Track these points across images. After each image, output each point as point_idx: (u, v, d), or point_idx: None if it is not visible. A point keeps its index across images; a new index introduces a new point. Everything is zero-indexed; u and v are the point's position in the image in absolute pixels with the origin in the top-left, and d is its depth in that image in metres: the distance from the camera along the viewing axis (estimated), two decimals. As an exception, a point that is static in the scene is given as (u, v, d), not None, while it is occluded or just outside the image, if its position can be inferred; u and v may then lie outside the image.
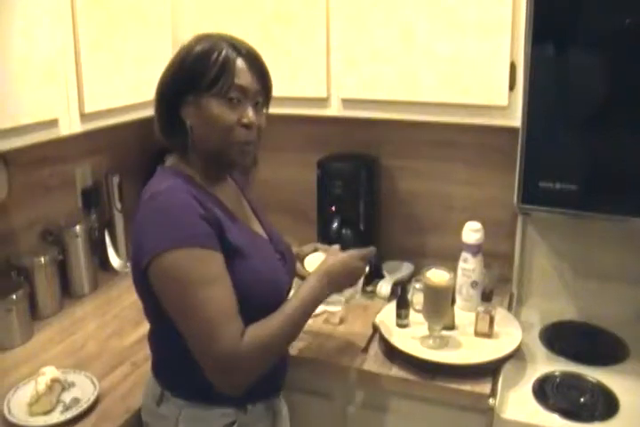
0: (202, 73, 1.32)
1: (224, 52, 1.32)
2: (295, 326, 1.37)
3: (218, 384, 1.28)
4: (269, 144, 1.89)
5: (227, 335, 1.24)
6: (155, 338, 1.49)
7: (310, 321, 1.52)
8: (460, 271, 2.00)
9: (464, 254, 1.99)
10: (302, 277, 1.64)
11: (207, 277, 1.25)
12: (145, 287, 1.32)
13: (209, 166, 1.41)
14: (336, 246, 1.66)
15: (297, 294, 1.41)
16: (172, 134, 1.40)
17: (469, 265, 1.98)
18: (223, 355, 1.23)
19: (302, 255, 1.76)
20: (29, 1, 1.57)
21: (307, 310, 1.40)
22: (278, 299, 1.40)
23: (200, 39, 1.36)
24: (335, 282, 1.49)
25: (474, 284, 1.98)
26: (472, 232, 1.97)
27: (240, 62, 1.33)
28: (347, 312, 2.02)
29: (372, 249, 1.65)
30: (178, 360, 1.34)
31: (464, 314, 1.93)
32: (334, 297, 1.80)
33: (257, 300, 1.33)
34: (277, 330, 1.31)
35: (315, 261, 1.68)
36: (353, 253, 1.58)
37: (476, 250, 1.98)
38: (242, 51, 1.35)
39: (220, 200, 1.40)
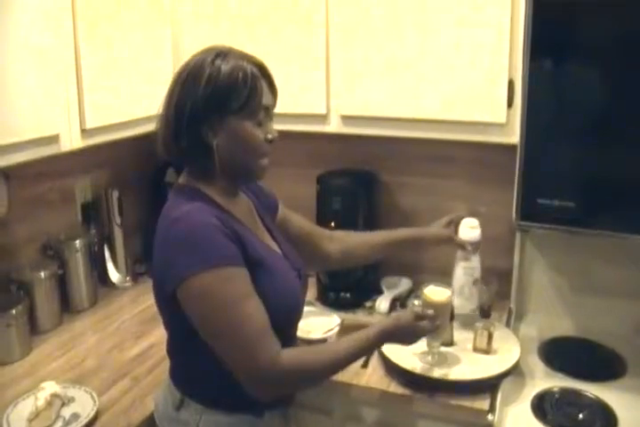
0: (233, 96, 1.32)
1: (250, 73, 1.33)
2: (338, 365, 1.41)
3: (254, 393, 1.31)
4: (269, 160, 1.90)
5: (265, 350, 1.27)
6: (173, 348, 1.50)
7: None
8: (460, 271, 1.92)
9: (461, 254, 1.91)
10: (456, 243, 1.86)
11: (239, 295, 1.28)
12: (169, 306, 1.33)
13: (228, 183, 1.42)
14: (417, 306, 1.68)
15: (356, 337, 1.44)
16: (188, 154, 1.38)
17: (472, 263, 1.91)
18: (263, 369, 1.27)
19: (457, 220, 1.89)
20: (31, 16, 1.59)
21: (355, 357, 1.44)
22: (293, 313, 1.42)
23: (217, 55, 1.33)
24: (393, 339, 1.52)
25: (476, 282, 1.92)
26: (470, 229, 1.89)
27: (263, 83, 1.36)
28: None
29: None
30: (195, 368, 1.35)
31: (463, 330, 1.92)
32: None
33: (274, 312, 1.34)
34: (322, 361, 1.37)
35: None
36: (424, 314, 1.55)
37: (476, 247, 1.89)
38: (262, 70, 1.37)
39: (237, 217, 1.41)
